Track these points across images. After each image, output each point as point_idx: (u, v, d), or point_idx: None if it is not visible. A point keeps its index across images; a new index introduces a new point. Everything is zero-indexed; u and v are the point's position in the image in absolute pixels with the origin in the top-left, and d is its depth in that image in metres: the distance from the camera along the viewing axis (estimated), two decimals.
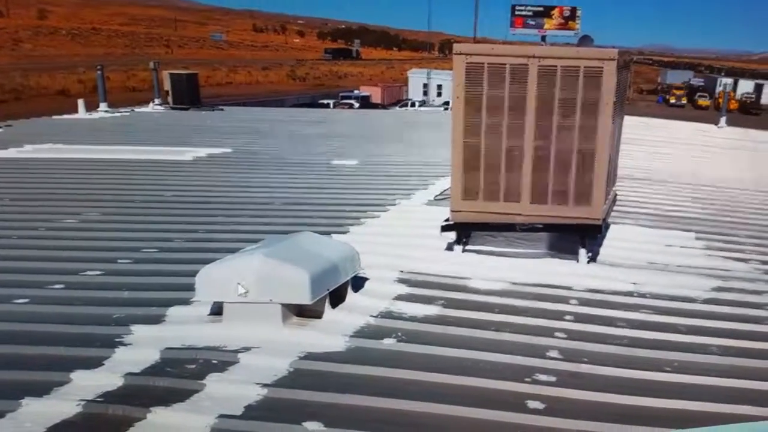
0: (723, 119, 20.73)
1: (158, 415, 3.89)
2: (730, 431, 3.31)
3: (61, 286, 5.95)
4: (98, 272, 6.33)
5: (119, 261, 6.67)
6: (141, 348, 4.73)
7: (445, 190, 9.24)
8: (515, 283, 6.22)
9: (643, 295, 6.10)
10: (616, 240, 7.59)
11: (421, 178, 10.91)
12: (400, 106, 56.52)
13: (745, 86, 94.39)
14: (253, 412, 3.97)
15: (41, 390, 4.10)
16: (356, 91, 69.38)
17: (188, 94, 21.96)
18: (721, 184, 11.65)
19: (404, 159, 13.12)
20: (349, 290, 5.64)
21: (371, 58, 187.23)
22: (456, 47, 6.49)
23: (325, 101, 58.67)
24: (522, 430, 3.91)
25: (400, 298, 5.80)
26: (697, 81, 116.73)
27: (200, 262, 5.48)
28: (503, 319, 5.40)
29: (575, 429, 3.91)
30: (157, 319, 5.21)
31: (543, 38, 61.28)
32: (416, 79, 75.11)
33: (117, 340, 4.84)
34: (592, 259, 6.86)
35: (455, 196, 6.70)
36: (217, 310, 5.19)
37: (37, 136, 14.85)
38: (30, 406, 3.95)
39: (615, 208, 7.77)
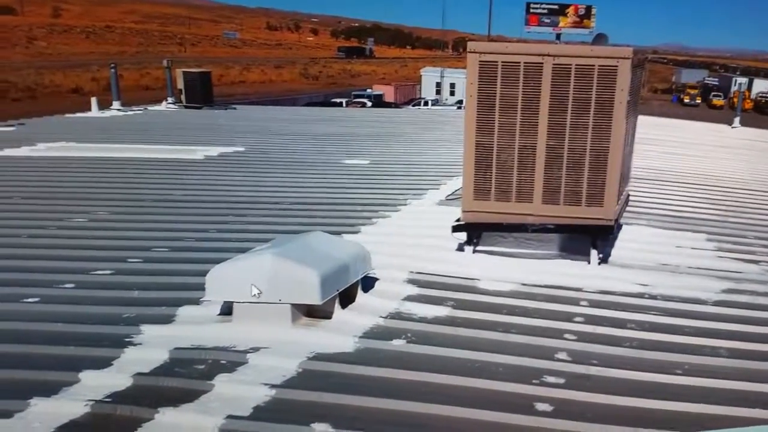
0: (737, 119, 20.63)
1: (167, 415, 3.89)
2: None
3: (71, 285, 5.97)
4: (108, 271, 6.34)
5: (129, 260, 6.68)
6: (150, 348, 4.73)
7: (456, 190, 9.21)
8: (525, 284, 6.19)
9: (653, 297, 6.06)
10: (628, 241, 7.54)
11: (432, 178, 10.89)
12: (413, 105, 56.42)
13: (761, 86, 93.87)
14: (261, 412, 3.97)
15: (50, 389, 4.11)
16: (369, 90, 69.38)
17: (201, 93, 22.00)
18: (734, 185, 11.57)
19: (416, 158, 13.10)
20: (359, 290, 5.64)
21: (384, 56, 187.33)
22: (470, 45, 6.47)
23: (338, 100, 58.68)
24: None
25: (409, 298, 5.78)
26: (712, 80, 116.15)
27: (211, 261, 5.49)
28: (513, 321, 5.38)
29: (583, 431, 3.89)
30: (166, 319, 5.21)
31: (558, 36, 61.29)
32: (429, 77, 74.98)
33: (126, 339, 4.85)
34: (604, 260, 6.82)
35: (466, 196, 6.68)
36: (226, 310, 5.19)
37: (50, 135, 14.92)
38: (38, 405, 3.96)
39: (627, 208, 7.72)
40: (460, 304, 5.68)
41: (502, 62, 6.31)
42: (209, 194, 9.71)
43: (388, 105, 55.85)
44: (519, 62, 6.29)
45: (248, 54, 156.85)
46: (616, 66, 6.17)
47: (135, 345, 4.78)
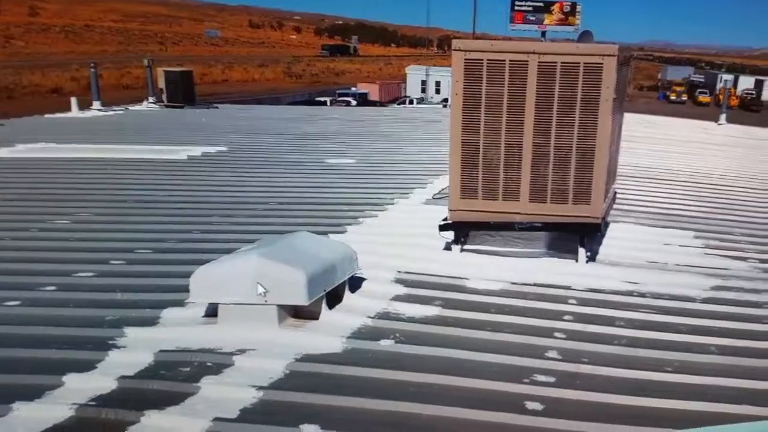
0: (723, 116, 20.75)
1: (152, 418, 3.84)
2: (730, 431, 3.28)
3: (53, 287, 5.89)
4: (91, 274, 6.26)
5: (112, 262, 6.61)
6: (134, 350, 4.68)
7: (443, 189, 9.18)
8: (514, 283, 6.17)
9: (642, 295, 6.06)
10: (616, 239, 7.54)
11: (419, 177, 10.86)
12: (398, 104, 56.38)
13: (746, 82, 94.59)
14: (248, 414, 3.93)
15: (33, 394, 4.05)
16: (354, 89, 69.28)
17: (183, 92, 21.87)
18: (721, 182, 11.61)
19: (402, 157, 13.06)
20: (347, 291, 5.60)
21: (369, 54, 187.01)
22: (455, 43, 6.43)
23: (322, 99, 58.53)
24: None
25: (397, 298, 5.75)
26: (698, 77, 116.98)
27: (195, 263, 5.42)
28: (502, 320, 5.36)
29: (574, 430, 3.88)
30: (151, 321, 5.15)
31: (543, 34, 61.30)
32: (414, 76, 75.03)
33: (110, 342, 4.79)
34: (592, 258, 6.82)
35: (453, 195, 6.64)
36: (211, 311, 5.13)
37: (30, 136, 14.76)
38: (21, 410, 3.90)
39: (614, 206, 7.71)
40: (448, 304, 5.66)
41: (488, 60, 6.28)
42: (193, 194, 9.64)
43: (373, 104, 55.77)
44: (504, 60, 6.26)
45: (230, 52, 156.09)
46: (602, 63, 6.16)
47: (119, 348, 4.72)
